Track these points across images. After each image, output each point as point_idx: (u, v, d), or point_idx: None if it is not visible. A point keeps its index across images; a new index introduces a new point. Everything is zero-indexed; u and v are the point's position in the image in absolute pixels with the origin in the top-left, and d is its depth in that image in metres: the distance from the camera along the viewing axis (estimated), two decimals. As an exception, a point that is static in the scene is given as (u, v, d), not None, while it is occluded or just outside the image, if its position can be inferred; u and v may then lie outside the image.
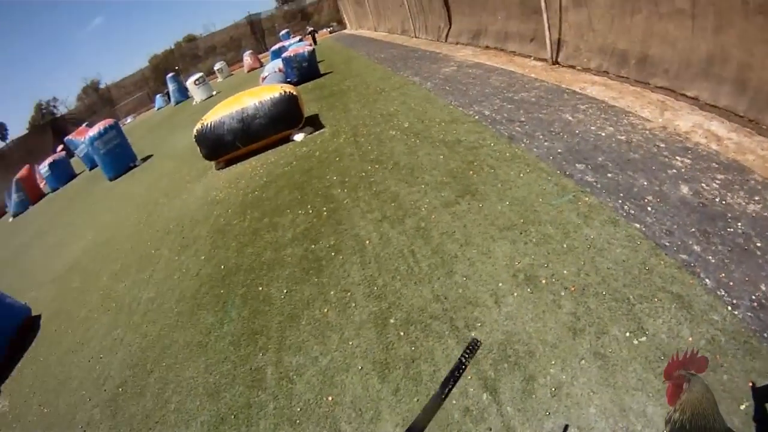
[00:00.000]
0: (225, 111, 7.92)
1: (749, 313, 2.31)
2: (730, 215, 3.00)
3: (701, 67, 4.72)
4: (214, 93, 23.81)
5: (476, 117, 6.04)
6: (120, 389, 3.81)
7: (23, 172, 21.58)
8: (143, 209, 8.19)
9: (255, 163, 7.62)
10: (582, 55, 6.71)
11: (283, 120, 7.85)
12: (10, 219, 20.61)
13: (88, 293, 5.96)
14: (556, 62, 7.36)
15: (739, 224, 2.90)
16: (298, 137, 7.90)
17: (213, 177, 7.99)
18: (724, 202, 3.14)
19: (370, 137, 6.61)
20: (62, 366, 4.70)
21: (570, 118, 5.21)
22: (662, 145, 4.10)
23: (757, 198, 3.09)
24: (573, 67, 6.91)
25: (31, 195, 20.94)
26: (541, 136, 4.95)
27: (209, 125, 7.86)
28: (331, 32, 39.37)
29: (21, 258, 10.65)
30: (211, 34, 55.05)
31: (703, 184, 3.39)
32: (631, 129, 4.59)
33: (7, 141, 56.19)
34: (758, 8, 3.83)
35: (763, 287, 2.43)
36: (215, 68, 37.19)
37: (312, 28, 33.94)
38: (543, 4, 7.14)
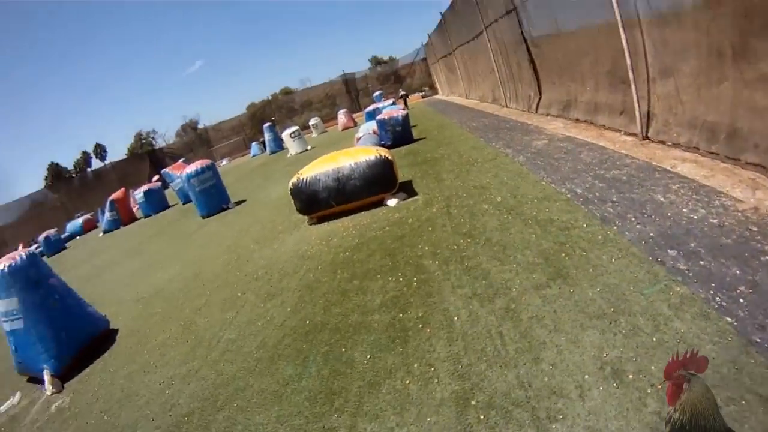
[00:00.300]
0: (321, 168, 8.32)
1: None
2: None
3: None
4: (309, 148, 25.28)
5: (568, 195, 6.08)
6: (186, 418, 4.08)
7: (119, 193, 23.99)
8: (233, 252, 8.72)
9: (348, 223, 7.87)
10: (672, 130, 6.65)
11: (377, 183, 8.11)
12: (101, 234, 22.81)
13: (169, 321, 6.43)
14: (646, 137, 7.31)
15: None
16: (392, 202, 8.15)
17: (305, 231, 8.36)
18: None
19: (463, 209, 6.71)
20: (131, 382, 5.09)
21: (662, 199, 5.16)
22: (755, 229, 4.01)
23: None
24: (663, 142, 6.86)
25: (124, 216, 23.20)
26: (633, 219, 4.92)
27: (305, 180, 8.30)
28: (423, 97, 40.40)
29: (107, 273, 11.63)
30: (307, 89, 58.36)
31: None
32: (723, 211, 4.50)
33: (106, 162, 61.38)
34: None
35: None
36: (310, 123, 39.11)
37: (404, 92, 35.20)
38: (631, 74, 7.22)
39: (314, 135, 37.13)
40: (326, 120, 45.03)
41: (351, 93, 55.38)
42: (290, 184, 8.46)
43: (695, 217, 4.55)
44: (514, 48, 14.07)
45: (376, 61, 61.60)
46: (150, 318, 6.86)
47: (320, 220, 8.56)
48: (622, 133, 8.10)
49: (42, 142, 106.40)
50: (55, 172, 60.13)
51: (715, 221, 4.37)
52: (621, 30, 7.15)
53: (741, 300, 3.21)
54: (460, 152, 10.80)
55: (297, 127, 27.41)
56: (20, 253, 6.10)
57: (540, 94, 12.93)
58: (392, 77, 54.37)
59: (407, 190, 8.61)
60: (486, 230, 5.78)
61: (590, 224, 5.07)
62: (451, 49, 26.97)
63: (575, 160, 7.41)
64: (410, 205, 7.76)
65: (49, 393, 5.65)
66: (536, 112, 13.10)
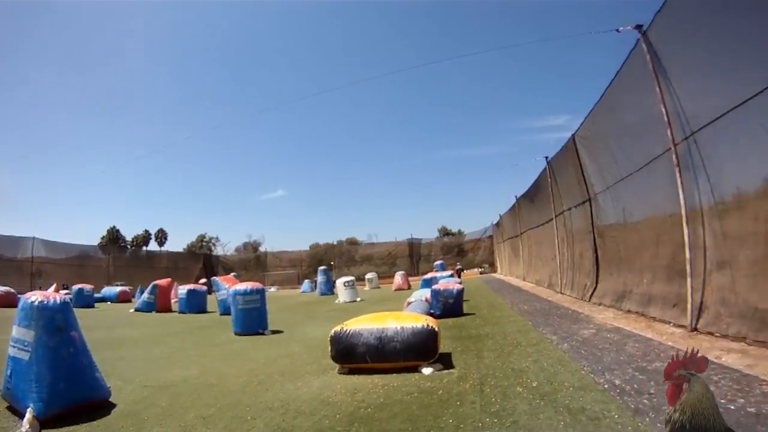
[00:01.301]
0: (367, 324, 8.35)
1: None
2: None
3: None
4: (358, 299, 25.34)
5: (606, 386, 5.92)
6: None
7: (165, 281, 24.35)
8: (255, 376, 8.51)
9: (377, 381, 7.59)
10: (722, 321, 6.57)
11: (417, 351, 8.00)
12: (131, 310, 22.64)
13: (169, 418, 6.17)
14: (695, 329, 7.18)
15: None
16: (427, 371, 7.89)
17: (333, 378, 8.11)
18: None
19: (496, 389, 6.49)
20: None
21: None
22: None
23: None
24: (711, 333, 6.73)
25: (160, 303, 23.33)
26: (667, 410, 4.62)
27: (348, 331, 8.27)
28: (481, 273, 41.12)
29: (124, 349, 11.34)
30: (372, 244, 60.27)
31: None
32: (763, 398, 4.36)
33: (163, 248, 63.36)
34: None
35: None
36: (366, 277, 39.92)
37: (460, 267, 35.90)
38: (688, 267, 7.29)
39: (367, 288, 37.57)
40: (382, 277, 45.66)
41: (413, 257, 56.98)
42: (332, 331, 8.48)
43: (732, 407, 4.36)
44: (581, 237, 14.53)
45: (445, 232, 63.98)
46: (151, 407, 6.70)
47: (351, 372, 8.34)
48: (672, 324, 7.99)
49: (110, 203, 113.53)
50: (113, 237, 61.69)
51: (752, 410, 4.23)
52: (684, 223, 7.44)
53: None
54: (505, 333, 10.71)
55: (353, 278, 27.94)
56: (57, 296, 6.23)
57: (596, 284, 12.99)
58: (456, 249, 55.87)
59: (445, 361, 8.36)
60: (515, 413, 5.51)
61: (622, 415, 4.86)
62: (519, 231, 27.95)
63: (619, 351, 7.30)
64: (444, 377, 7.50)
65: (23, 430, 5.45)
66: (589, 300, 13.11)
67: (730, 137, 6.60)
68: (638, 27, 8.49)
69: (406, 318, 8.22)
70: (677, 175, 7.70)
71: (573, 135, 14.09)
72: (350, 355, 8.07)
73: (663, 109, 7.94)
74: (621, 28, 8.91)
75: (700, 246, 7.16)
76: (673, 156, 7.82)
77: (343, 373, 8.11)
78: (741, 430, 3.79)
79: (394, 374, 7.72)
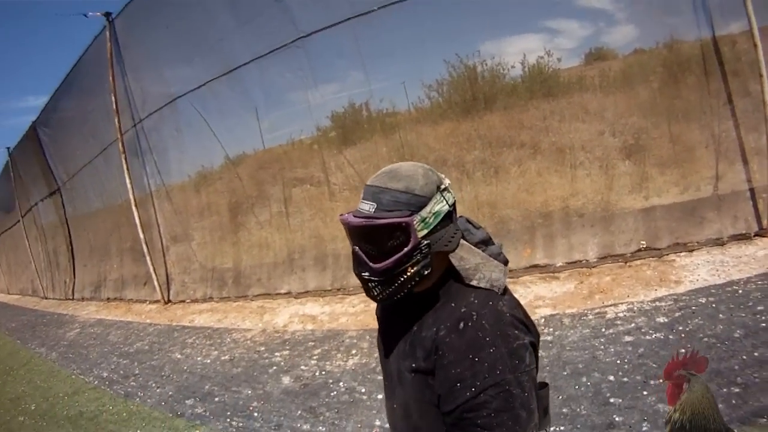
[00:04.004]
0: None
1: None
2: (331, 381, 3.55)
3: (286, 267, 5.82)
4: None
5: (96, 382, 5.87)
6: None
7: None
8: None
9: None
10: (188, 288, 7.44)
11: None
12: None
13: None
14: (168, 301, 7.84)
15: (341, 384, 3.45)
16: None
17: None
18: (324, 372, 3.69)
19: (0, 429, 5.77)
20: None
21: (179, 356, 5.53)
22: (262, 349, 4.64)
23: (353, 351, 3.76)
24: (183, 301, 7.50)
25: None
26: (153, 384, 5.07)
27: None
28: None
29: None
30: None
31: (302, 367, 3.98)
32: (234, 345, 5.05)
33: None
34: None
35: (377, 422, 2.96)
36: None
37: None
38: (145, 247, 7.89)
39: None
40: None
41: None
42: None
43: (209, 361, 5.00)
44: (53, 232, 13.59)
45: None
46: None
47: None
48: (148, 302, 8.46)
49: None
50: None
51: (226, 357, 4.91)
52: (133, 206, 8.02)
53: (256, 413, 3.64)
54: None
55: None
56: None
57: (74, 277, 12.53)
58: None
59: None
60: None
61: (115, 404, 4.97)
62: None
63: (103, 343, 7.37)
64: None
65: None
66: (72, 297, 12.51)
67: (173, 125, 7.40)
68: (107, 14, 8.13)
69: None
70: (123, 161, 8.02)
71: (34, 122, 12.76)
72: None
73: (113, 97, 8.03)
74: (90, 13, 8.47)
75: (154, 224, 7.83)
76: (120, 144, 8.08)
77: None
78: (219, 377, 4.49)
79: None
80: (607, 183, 4.63)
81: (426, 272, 1.04)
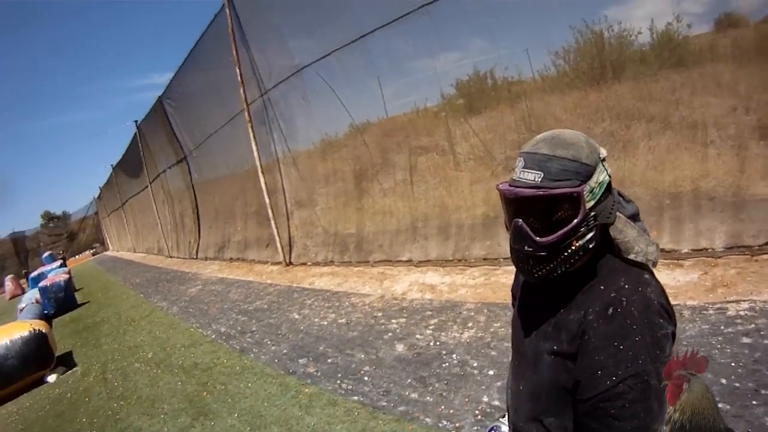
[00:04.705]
0: None
1: (475, 427, 2.67)
2: (444, 352, 3.53)
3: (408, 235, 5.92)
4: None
5: (213, 336, 6.22)
6: None
7: None
8: None
9: (12, 408, 6.49)
10: (310, 251, 7.69)
11: (34, 361, 6.97)
12: None
13: None
14: (290, 263, 8.20)
15: (454, 356, 3.43)
16: (51, 378, 7.02)
17: None
18: (438, 343, 3.68)
19: (117, 372, 6.31)
20: None
21: (296, 316, 5.74)
22: (379, 314, 4.72)
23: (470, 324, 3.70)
24: (305, 264, 7.78)
25: None
26: (269, 342, 5.31)
27: None
28: (94, 254, 37.10)
29: None
30: (-33, 250, 46.85)
31: (417, 336, 3.98)
32: (352, 309, 5.18)
33: None
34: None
35: (485, 398, 2.89)
36: (-39, 292, 31.13)
37: (62, 255, 31.24)
38: (270, 211, 8.28)
39: (-32, 304, 29.58)
40: (-9, 287, 36.48)
41: (20, 255, 46.38)
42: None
43: (325, 323, 5.16)
44: (180, 196, 14.61)
45: (49, 217, 54.08)
46: None
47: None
48: (269, 264, 8.90)
49: None
50: None
51: (343, 321, 5.03)
52: (260, 172, 8.40)
53: (366, 378, 3.70)
54: (119, 313, 10.15)
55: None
56: None
57: (199, 238, 13.38)
58: (65, 234, 48.24)
59: (67, 361, 7.58)
60: (137, 388, 5.47)
61: (230, 359, 5.25)
62: (121, 202, 26.20)
63: (223, 301, 7.78)
64: (69, 378, 6.89)
65: None
66: (196, 257, 13.43)
67: (300, 93, 7.59)
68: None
69: (13, 329, 7.15)
70: (250, 130, 8.41)
71: (160, 96, 13.68)
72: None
73: (237, 70, 8.43)
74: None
75: (279, 190, 8.18)
76: (246, 113, 8.47)
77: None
78: (335, 340, 4.60)
79: (25, 395, 6.81)
80: (738, 165, 4.13)
81: (591, 246, 0.98)
